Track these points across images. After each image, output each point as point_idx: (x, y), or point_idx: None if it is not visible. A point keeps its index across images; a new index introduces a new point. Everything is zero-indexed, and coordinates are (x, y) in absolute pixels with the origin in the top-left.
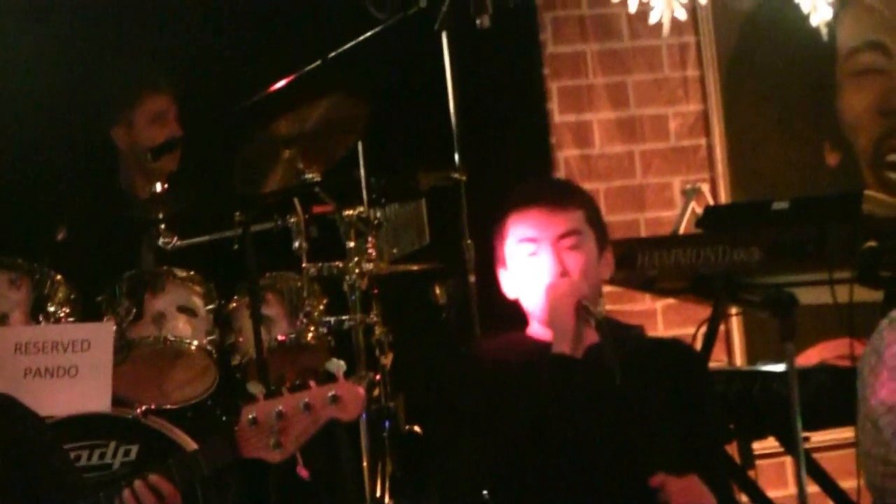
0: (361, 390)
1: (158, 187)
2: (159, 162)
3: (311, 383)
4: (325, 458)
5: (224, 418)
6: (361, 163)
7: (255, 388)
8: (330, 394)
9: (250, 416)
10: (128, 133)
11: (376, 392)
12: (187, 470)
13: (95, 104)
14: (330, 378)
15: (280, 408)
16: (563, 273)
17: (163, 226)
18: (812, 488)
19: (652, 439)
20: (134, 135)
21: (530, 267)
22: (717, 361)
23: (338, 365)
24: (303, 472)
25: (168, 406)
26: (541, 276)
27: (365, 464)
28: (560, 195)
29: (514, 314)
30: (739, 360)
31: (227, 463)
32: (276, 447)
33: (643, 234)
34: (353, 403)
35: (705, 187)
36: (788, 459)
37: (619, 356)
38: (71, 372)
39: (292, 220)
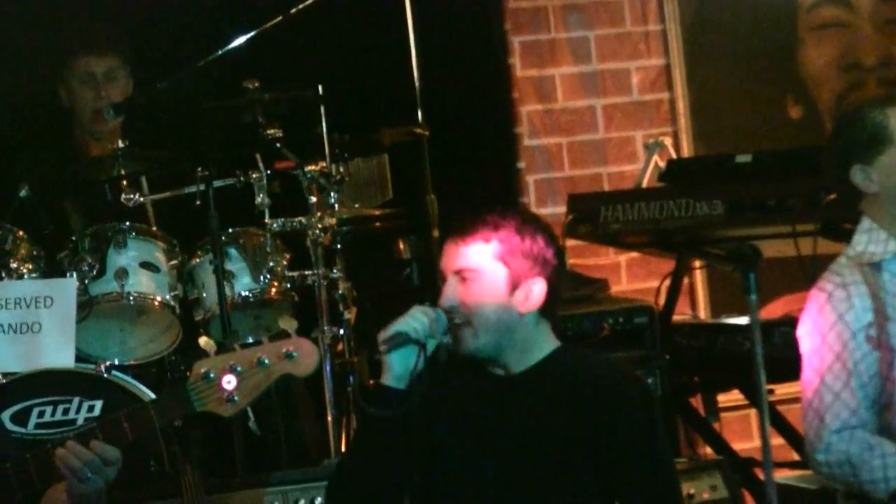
0: (315, 347)
1: (120, 143)
2: (101, 124)
3: (265, 339)
4: (286, 414)
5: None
6: (323, 118)
7: (206, 343)
8: (284, 349)
9: (203, 370)
10: (67, 94)
11: (340, 347)
12: (140, 423)
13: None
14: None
15: (233, 362)
16: (451, 306)
17: (125, 182)
18: (776, 440)
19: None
20: (71, 96)
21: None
22: (681, 315)
23: (291, 322)
24: (255, 428)
25: (131, 362)
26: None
27: (329, 419)
28: (470, 228)
29: None
30: (703, 314)
31: (180, 417)
32: (229, 401)
33: (606, 188)
34: (307, 359)
35: (668, 141)
36: (753, 412)
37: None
38: (34, 328)
39: (255, 175)
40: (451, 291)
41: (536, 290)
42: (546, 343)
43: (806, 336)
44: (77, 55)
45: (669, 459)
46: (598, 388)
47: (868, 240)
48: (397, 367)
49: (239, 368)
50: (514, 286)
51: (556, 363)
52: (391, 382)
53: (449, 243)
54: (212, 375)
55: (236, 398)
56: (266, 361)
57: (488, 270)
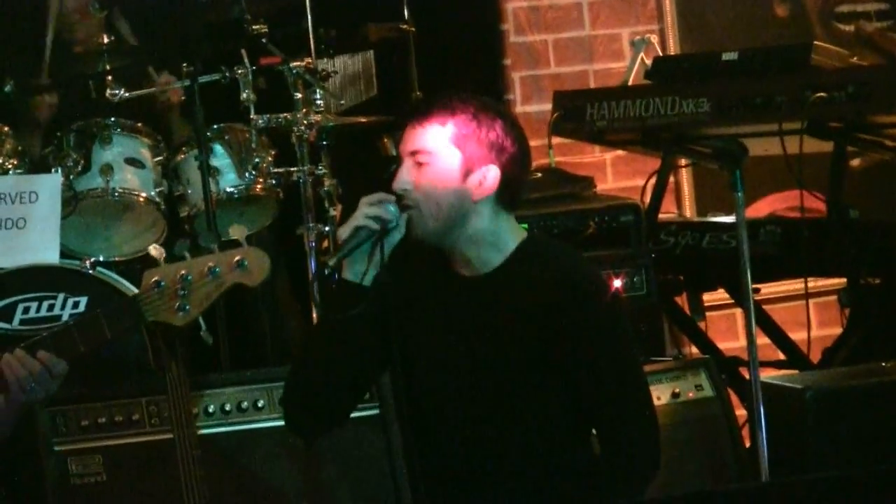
0: (265, 255)
1: (105, 39)
2: (87, 18)
3: (215, 248)
4: (271, 314)
5: None
6: (309, 14)
7: (156, 252)
8: (236, 259)
9: (154, 280)
10: None
11: (325, 244)
12: (90, 334)
13: None
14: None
15: (184, 272)
16: (402, 188)
17: (110, 78)
18: (762, 340)
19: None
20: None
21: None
22: (666, 213)
23: (241, 230)
24: (207, 338)
25: (117, 258)
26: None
27: (314, 315)
28: (427, 111)
29: None
30: (689, 212)
31: (131, 326)
32: (180, 310)
33: (592, 85)
34: (258, 268)
35: (654, 38)
36: (738, 311)
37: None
38: (19, 224)
39: (240, 71)
40: (405, 174)
41: (490, 176)
42: (510, 238)
43: None
44: None
45: (632, 362)
46: (554, 289)
47: None
48: (357, 262)
49: (190, 278)
50: (467, 171)
51: (519, 262)
52: (352, 277)
53: (407, 126)
54: (163, 284)
55: (188, 307)
56: (217, 270)
57: (442, 154)
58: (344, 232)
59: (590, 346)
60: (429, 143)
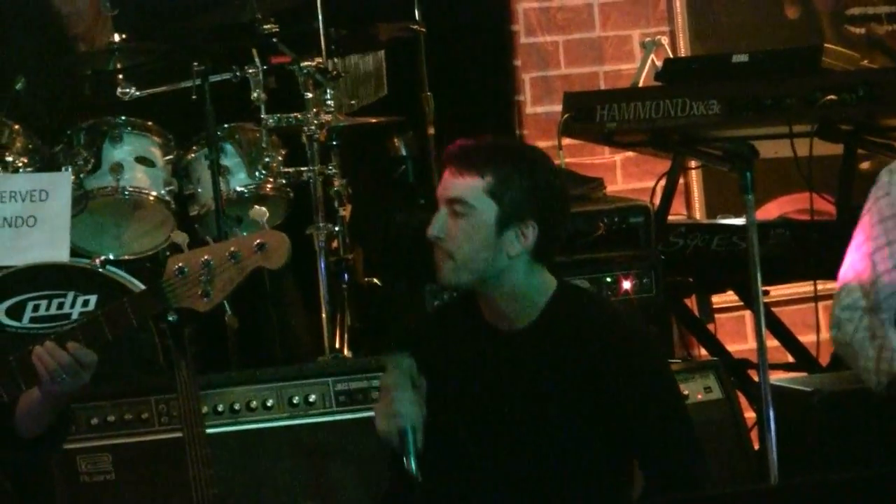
0: (285, 238)
1: (116, 38)
2: (97, 18)
3: (236, 231)
4: (277, 311)
5: None
6: (320, 13)
7: (179, 237)
8: (256, 242)
9: (177, 266)
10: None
11: (335, 244)
12: (117, 322)
13: None
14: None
15: (206, 257)
16: (436, 236)
17: (121, 76)
18: (771, 342)
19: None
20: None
21: None
22: (676, 215)
23: (262, 212)
24: (232, 321)
25: (126, 257)
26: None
27: (324, 315)
28: (466, 159)
29: None
30: (699, 214)
31: (156, 313)
32: (204, 296)
33: (602, 86)
34: (278, 251)
35: (665, 40)
36: (748, 313)
37: None
38: (29, 222)
39: (251, 70)
40: (440, 222)
41: (528, 233)
42: (544, 290)
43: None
44: None
45: (679, 403)
46: (595, 340)
47: None
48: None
49: (212, 263)
50: (504, 225)
51: (555, 315)
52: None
53: (446, 170)
54: (185, 270)
55: (211, 293)
56: (238, 255)
57: (479, 206)
58: (388, 423)
59: (637, 392)
60: (465, 193)
